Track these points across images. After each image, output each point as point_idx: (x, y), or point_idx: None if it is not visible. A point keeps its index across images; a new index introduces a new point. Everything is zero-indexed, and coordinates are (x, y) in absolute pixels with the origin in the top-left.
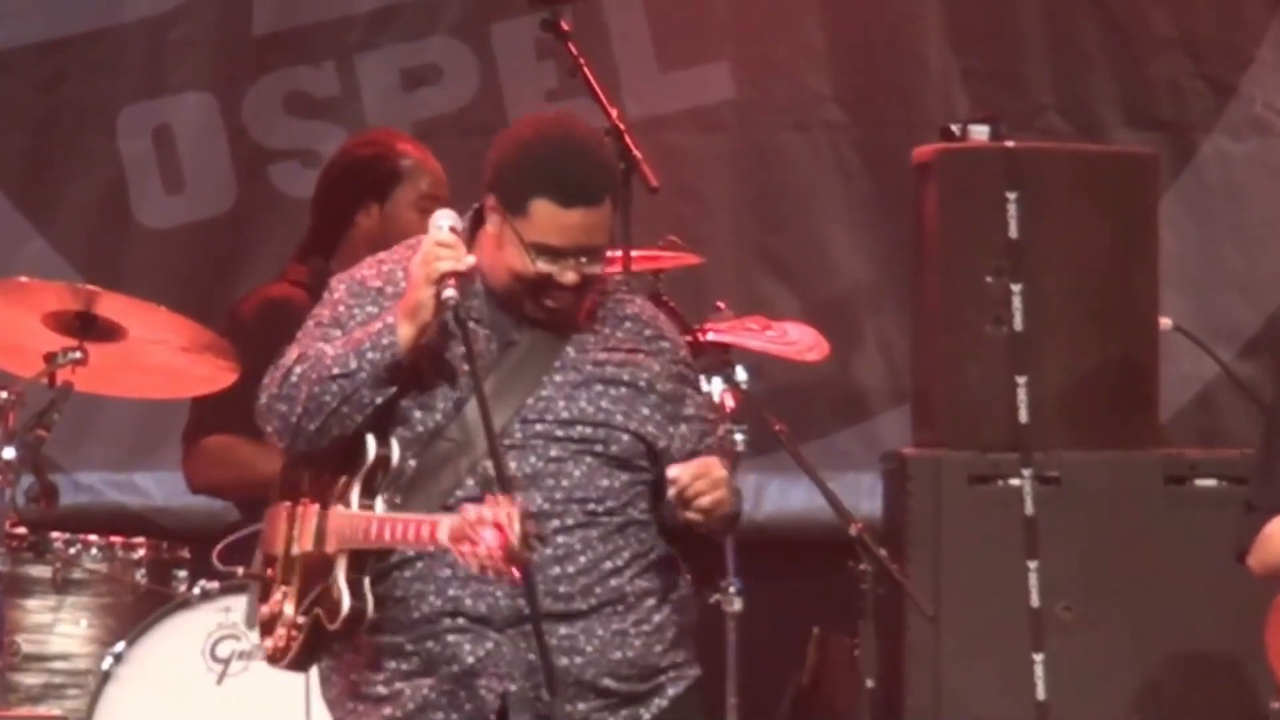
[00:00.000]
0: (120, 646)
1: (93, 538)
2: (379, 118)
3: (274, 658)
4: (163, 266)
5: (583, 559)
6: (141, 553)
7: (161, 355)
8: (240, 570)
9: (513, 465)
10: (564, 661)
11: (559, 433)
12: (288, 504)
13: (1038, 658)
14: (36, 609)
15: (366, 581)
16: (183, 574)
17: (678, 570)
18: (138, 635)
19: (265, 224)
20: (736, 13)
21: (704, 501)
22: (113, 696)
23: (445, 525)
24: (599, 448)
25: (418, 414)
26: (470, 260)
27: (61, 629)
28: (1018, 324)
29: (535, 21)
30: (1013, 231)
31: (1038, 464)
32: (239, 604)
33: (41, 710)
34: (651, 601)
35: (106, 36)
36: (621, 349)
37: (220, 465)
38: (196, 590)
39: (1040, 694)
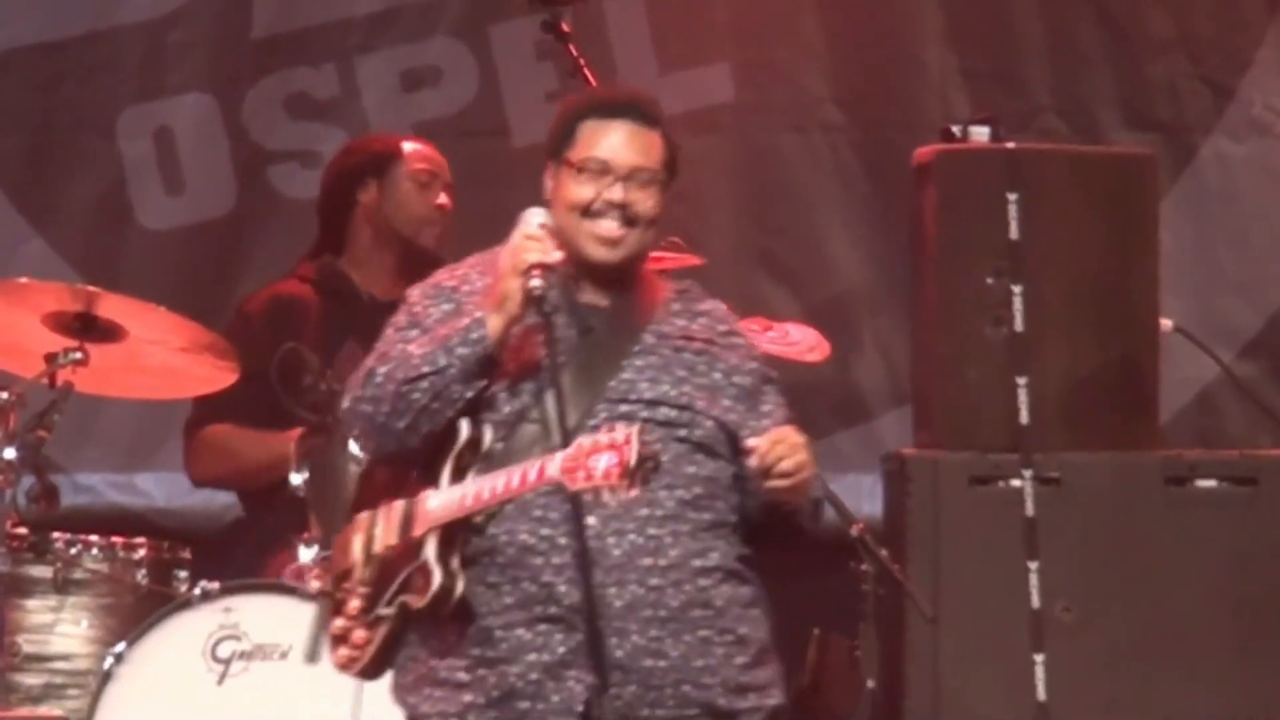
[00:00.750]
0: (121, 647)
1: (93, 538)
2: (379, 119)
3: (348, 665)
4: (163, 268)
5: (674, 553)
6: (142, 553)
7: (162, 356)
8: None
9: (601, 433)
10: (648, 663)
11: (644, 414)
12: (365, 512)
13: (1038, 659)
14: (37, 609)
15: (456, 560)
16: (183, 574)
17: (758, 583)
18: (138, 636)
19: (265, 225)
20: (736, 15)
21: (786, 465)
22: (113, 697)
23: (556, 460)
24: (683, 432)
25: (503, 397)
26: (558, 255)
27: (62, 629)
28: (1018, 325)
29: (535, 23)
30: (1013, 233)
31: (1038, 465)
32: (240, 605)
33: (42, 710)
34: (736, 611)
35: (106, 38)
36: (698, 339)
37: (221, 454)
38: (197, 591)
39: (1040, 695)
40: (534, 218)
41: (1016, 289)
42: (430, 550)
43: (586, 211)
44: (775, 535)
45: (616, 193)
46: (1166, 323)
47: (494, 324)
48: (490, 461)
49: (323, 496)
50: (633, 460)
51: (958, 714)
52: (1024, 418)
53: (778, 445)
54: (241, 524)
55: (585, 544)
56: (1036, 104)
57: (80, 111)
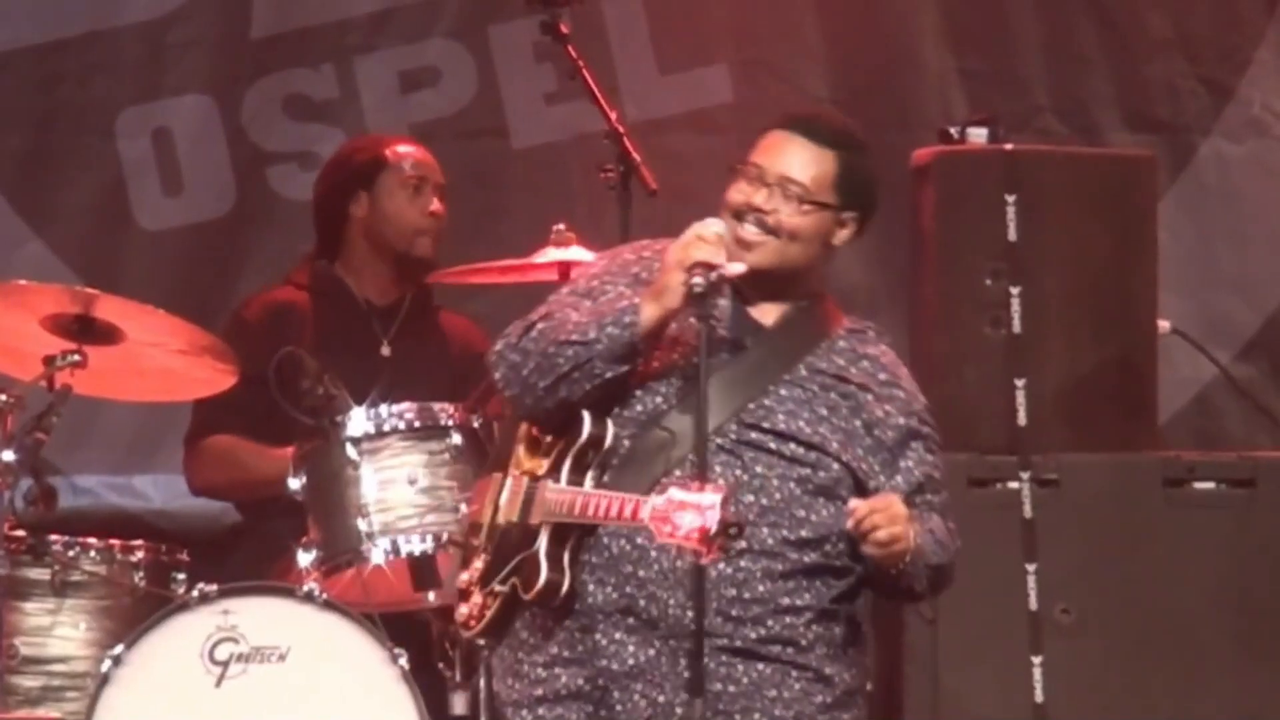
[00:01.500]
0: (119, 649)
1: (91, 540)
2: (377, 120)
3: (466, 625)
4: (161, 269)
5: (760, 589)
6: (140, 555)
7: (160, 358)
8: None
9: (717, 469)
10: (717, 686)
11: (771, 444)
12: (498, 474)
13: (1036, 660)
14: (35, 611)
15: (566, 556)
16: (181, 577)
17: (859, 629)
18: (136, 638)
19: (264, 226)
20: (735, 16)
21: (880, 535)
22: (111, 699)
23: (649, 504)
24: (805, 471)
25: (639, 394)
26: (736, 268)
27: (60, 631)
28: (1016, 326)
29: (534, 24)
30: (1011, 234)
31: (1036, 466)
32: (238, 607)
33: (40, 713)
34: (823, 650)
35: (105, 38)
36: (853, 382)
37: (222, 466)
38: (195, 593)
39: (1038, 697)
40: (715, 223)
41: (1015, 290)
42: (543, 544)
43: (736, 214)
44: (889, 590)
45: (760, 198)
46: (1165, 324)
47: (648, 313)
48: (613, 461)
49: (321, 501)
50: (713, 528)
51: (956, 715)
52: (1022, 419)
53: (874, 514)
54: (240, 527)
55: (674, 563)
56: (1034, 104)
57: (79, 112)
